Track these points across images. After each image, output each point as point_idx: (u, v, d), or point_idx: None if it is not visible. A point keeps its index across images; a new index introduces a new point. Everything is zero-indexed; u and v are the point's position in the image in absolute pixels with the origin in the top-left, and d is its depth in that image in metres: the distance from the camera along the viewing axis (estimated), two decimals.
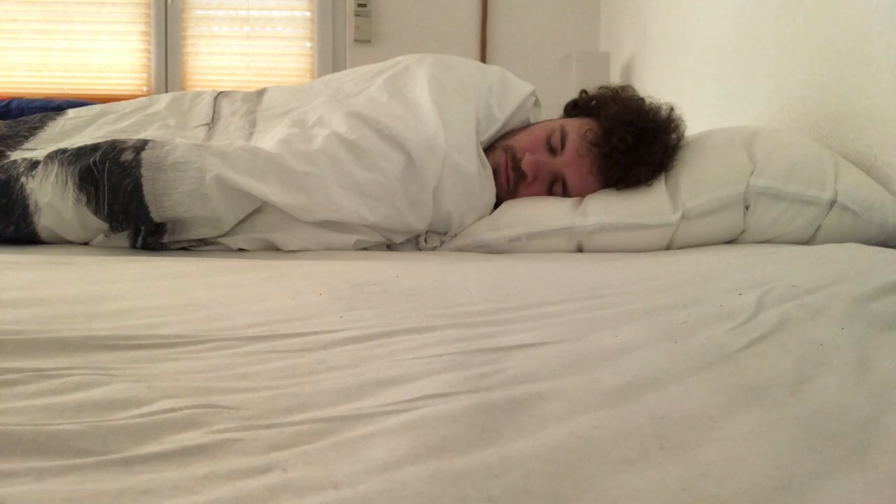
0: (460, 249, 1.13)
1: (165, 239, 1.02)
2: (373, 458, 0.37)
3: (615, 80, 2.56)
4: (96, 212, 1.00)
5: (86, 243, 1.07)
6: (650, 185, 1.13)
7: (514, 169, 1.18)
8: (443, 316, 0.64)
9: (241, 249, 1.07)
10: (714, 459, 0.38)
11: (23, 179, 1.03)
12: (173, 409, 0.42)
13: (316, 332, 0.58)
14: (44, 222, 1.03)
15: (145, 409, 0.42)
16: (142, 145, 1.02)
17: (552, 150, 1.17)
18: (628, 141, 1.11)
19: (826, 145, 1.25)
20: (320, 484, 0.35)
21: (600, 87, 1.29)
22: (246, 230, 1.06)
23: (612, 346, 0.56)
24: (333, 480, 0.35)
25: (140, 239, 1.02)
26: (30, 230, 1.03)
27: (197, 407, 0.42)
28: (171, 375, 0.49)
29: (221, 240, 1.06)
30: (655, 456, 0.38)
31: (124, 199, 0.98)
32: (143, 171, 0.99)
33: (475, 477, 0.35)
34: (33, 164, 1.05)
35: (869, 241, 1.04)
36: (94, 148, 1.02)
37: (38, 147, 1.22)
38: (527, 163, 1.16)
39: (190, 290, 0.73)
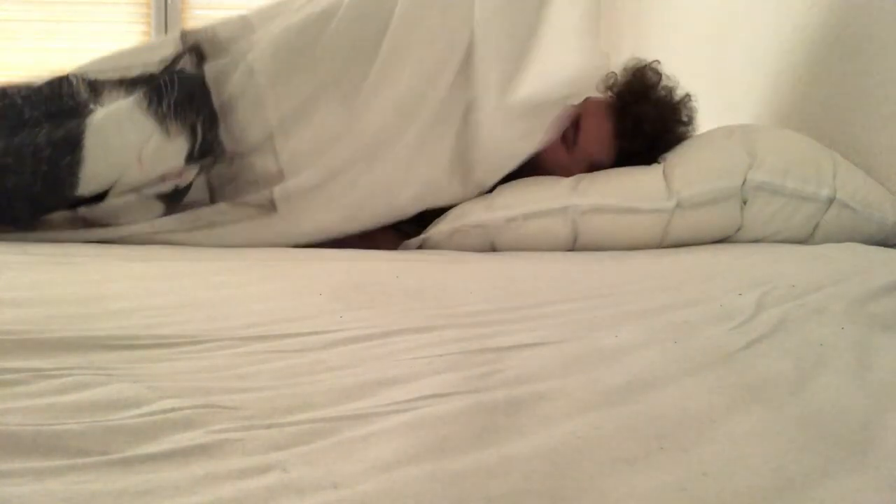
0: (457, 231, 1.12)
1: (220, 132, 1.04)
2: (373, 458, 0.37)
3: None
4: (157, 111, 1.02)
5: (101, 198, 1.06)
6: (645, 172, 1.13)
7: None
8: (443, 316, 0.64)
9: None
10: (714, 459, 0.38)
11: (91, 106, 1.05)
12: (173, 409, 0.42)
13: (316, 332, 0.58)
14: (96, 123, 1.03)
15: (145, 409, 0.42)
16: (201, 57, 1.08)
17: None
18: (646, 92, 1.18)
19: (826, 144, 1.25)
20: (320, 484, 0.35)
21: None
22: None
23: (612, 346, 0.56)
24: (333, 480, 0.35)
25: (199, 141, 1.04)
26: (77, 140, 1.03)
27: (197, 407, 0.42)
28: (171, 375, 0.49)
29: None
30: (655, 456, 0.38)
31: (189, 89, 1.03)
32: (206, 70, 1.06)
33: (475, 477, 0.35)
34: (94, 88, 1.07)
35: (868, 240, 1.04)
36: (155, 76, 1.07)
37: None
38: None
39: (190, 290, 0.73)
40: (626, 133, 1.18)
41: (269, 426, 0.41)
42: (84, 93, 1.06)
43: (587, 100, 1.24)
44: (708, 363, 0.53)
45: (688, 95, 1.23)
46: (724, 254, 1.02)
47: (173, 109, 1.03)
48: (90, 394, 0.44)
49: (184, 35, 1.14)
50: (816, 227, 1.09)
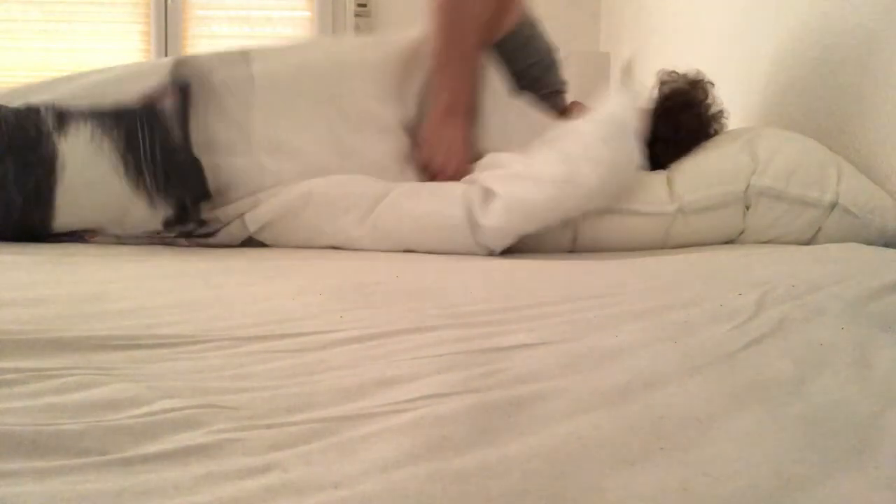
0: None
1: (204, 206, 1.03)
2: (373, 458, 0.37)
3: (614, 80, 2.56)
4: (137, 179, 1.00)
5: (91, 234, 1.05)
6: (648, 175, 1.13)
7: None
8: (443, 316, 0.64)
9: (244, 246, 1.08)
10: (714, 459, 0.38)
11: (54, 137, 1.01)
12: (173, 409, 0.42)
13: (316, 332, 0.58)
14: (67, 182, 1.00)
15: (145, 409, 0.42)
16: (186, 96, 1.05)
17: None
18: (691, 103, 1.21)
19: (825, 146, 1.25)
20: (320, 484, 0.35)
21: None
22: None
23: (612, 346, 0.56)
24: (333, 480, 0.35)
25: (183, 212, 1.03)
26: (49, 186, 1.00)
27: (197, 407, 0.42)
28: (171, 375, 0.49)
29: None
30: (655, 456, 0.38)
31: (180, 167, 1.01)
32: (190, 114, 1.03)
33: (475, 477, 0.35)
34: (61, 118, 1.03)
35: (869, 245, 1.04)
36: (131, 111, 1.03)
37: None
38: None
39: (190, 290, 0.73)
40: (660, 137, 1.18)
41: (269, 426, 0.41)
42: (50, 122, 1.02)
43: None
44: (708, 363, 0.53)
45: (721, 112, 1.24)
46: (724, 254, 1.02)
47: (161, 183, 1.01)
48: (90, 394, 0.44)
49: (175, 68, 1.09)
50: (818, 231, 1.09)
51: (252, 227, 1.07)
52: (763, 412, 0.44)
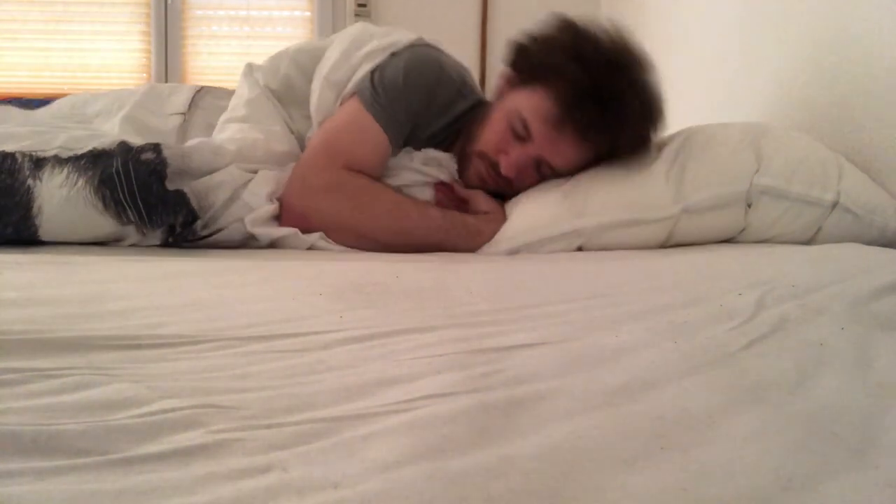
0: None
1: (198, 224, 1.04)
2: (373, 458, 0.37)
3: None
4: (118, 214, 1.00)
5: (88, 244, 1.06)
6: (650, 174, 1.11)
7: (499, 175, 1.16)
8: (443, 316, 0.64)
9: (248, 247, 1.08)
10: (714, 459, 0.38)
11: (29, 182, 1.02)
12: (173, 409, 0.42)
13: (316, 332, 0.58)
14: (46, 225, 1.02)
15: (145, 409, 0.42)
16: (157, 145, 1.05)
17: (521, 139, 1.12)
18: (602, 107, 1.06)
19: (826, 145, 1.25)
20: (320, 484, 0.35)
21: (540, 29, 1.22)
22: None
23: (612, 346, 0.56)
24: (333, 480, 0.35)
25: (177, 232, 1.04)
26: (30, 231, 1.03)
27: (197, 407, 0.42)
28: (171, 375, 0.49)
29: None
30: (655, 456, 0.38)
31: (159, 192, 1.00)
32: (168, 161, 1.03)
33: (475, 477, 0.35)
34: (37, 164, 1.04)
35: (870, 245, 1.04)
36: (108, 153, 1.03)
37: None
38: (506, 168, 1.12)
39: (190, 290, 0.73)
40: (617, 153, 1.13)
41: (269, 426, 0.41)
42: (26, 169, 1.03)
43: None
44: (708, 363, 0.53)
45: (657, 83, 1.12)
46: (724, 254, 1.02)
47: (145, 217, 1.01)
48: (90, 394, 0.44)
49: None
50: (819, 230, 1.09)
51: (250, 227, 1.07)
52: (763, 412, 0.44)
